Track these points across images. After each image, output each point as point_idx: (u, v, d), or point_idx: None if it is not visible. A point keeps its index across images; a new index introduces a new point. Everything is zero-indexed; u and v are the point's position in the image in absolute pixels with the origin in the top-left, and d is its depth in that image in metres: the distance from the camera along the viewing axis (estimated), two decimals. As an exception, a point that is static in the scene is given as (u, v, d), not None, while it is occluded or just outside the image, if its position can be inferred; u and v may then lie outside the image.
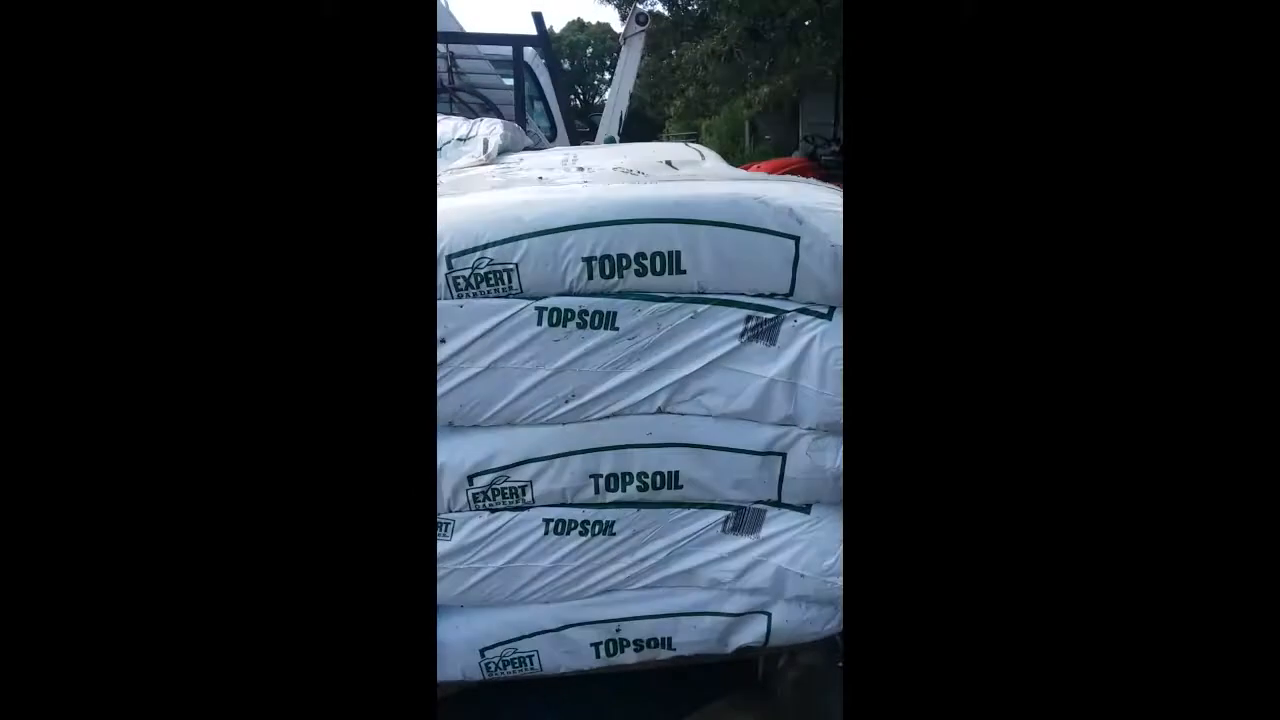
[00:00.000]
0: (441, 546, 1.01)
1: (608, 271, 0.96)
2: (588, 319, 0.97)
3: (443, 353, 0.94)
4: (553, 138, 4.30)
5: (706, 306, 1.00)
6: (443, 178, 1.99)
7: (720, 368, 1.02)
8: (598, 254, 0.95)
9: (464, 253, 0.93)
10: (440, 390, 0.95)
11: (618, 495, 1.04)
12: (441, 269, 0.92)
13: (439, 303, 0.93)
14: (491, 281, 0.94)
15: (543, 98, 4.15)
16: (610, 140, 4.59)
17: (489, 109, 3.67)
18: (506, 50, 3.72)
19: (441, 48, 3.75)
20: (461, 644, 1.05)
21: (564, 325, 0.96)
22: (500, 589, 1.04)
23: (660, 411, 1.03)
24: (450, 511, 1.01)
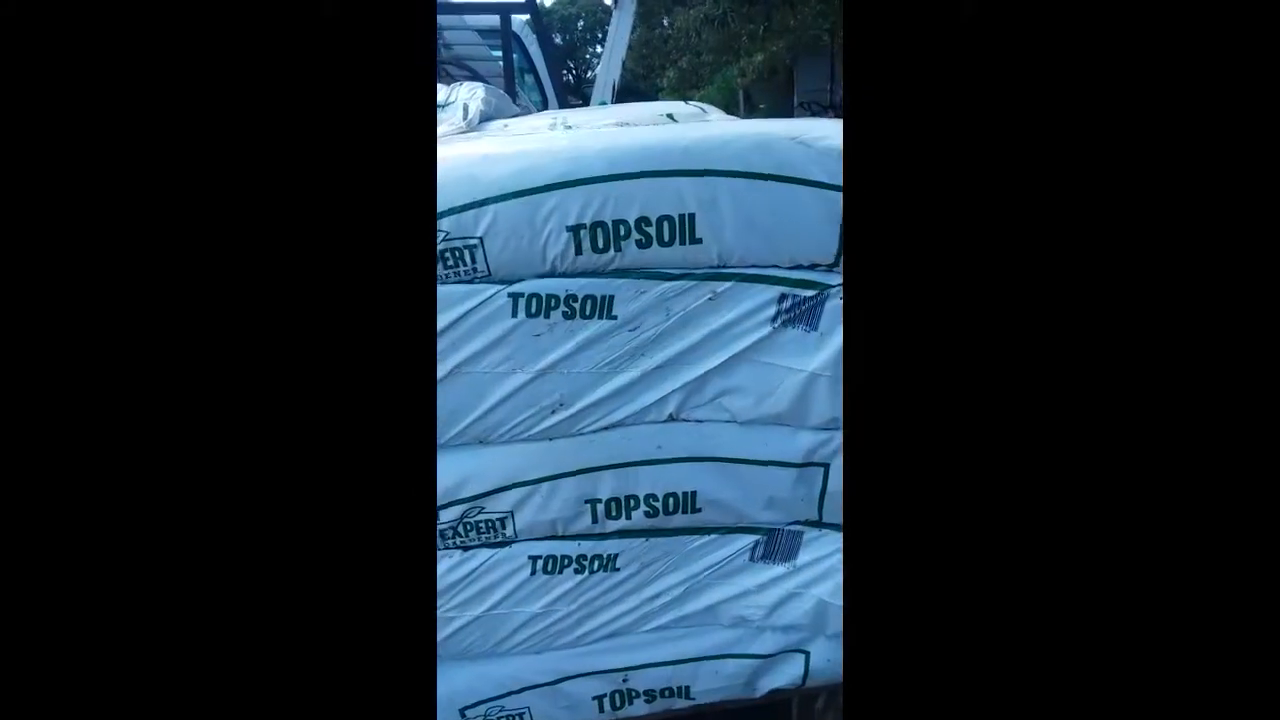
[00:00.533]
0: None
1: (601, 244, 0.74)
2: (577, 306, 0.75)
3: (390, 355, 0.73)
4: (545, 109, 4.18)
5: (729, 284, 0.78)
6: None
7: (748, 361, 0.81)
8: (587, 220, 0.73)
9: (410, 223, 0.71)
10: (389, 403, 0.74)
11: (621, 524, 0.83)
12: (382, 245, 0.71)
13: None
14: (450, 262, 0.72)
15: (533, 69, 4.02)
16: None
17: (477, 82, 3.53)
18: (494, 20, 3.63)
19: None
20: (439, 702, 0.87)
21: (546, 315, 0.75)
22: (481, 640, 0.85)
23: (672, 419, 0.82)
24: (412, 552, 0.81)
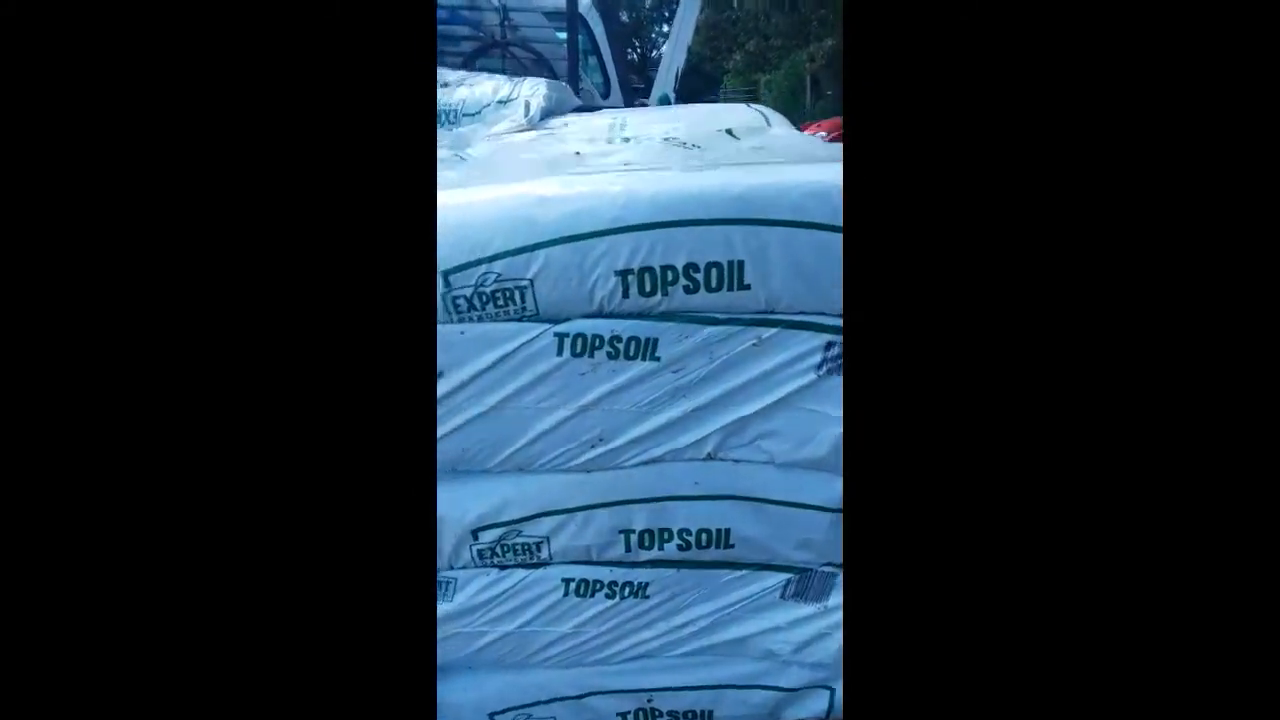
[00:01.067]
0: (442, 608, 0.86)
1: (648, 288, 0.75)
2: (621, 347, 0.77)
3: (442, 387, 0.76)
4: (606, 94, 4.17)
5: (775, 330, 0.78)
6: (477, 147, 1.82)
7: (790, 407, 0.80)
8: (636, 266, 0.74)
9: (465, 267, 0.73)
10: (440, 431, 0.78)
11: (653, 554, 0.85)
12: (438, 287, 0.74)
13: (436, 328, 0.75)
14: (500, 301, 0.75)
15: (597, 51, 3.98)
16: (665, 99, 4.38)
17: (541, 64, 3.56)
18: (560, 2, 3.63)
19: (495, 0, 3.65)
20: (468, 707, 0.92)
21: (591, 355, 0.77)
22: (512, 652, 0.90)
23: (710, 458, 0.83)
24: (452, 569, 0.86)
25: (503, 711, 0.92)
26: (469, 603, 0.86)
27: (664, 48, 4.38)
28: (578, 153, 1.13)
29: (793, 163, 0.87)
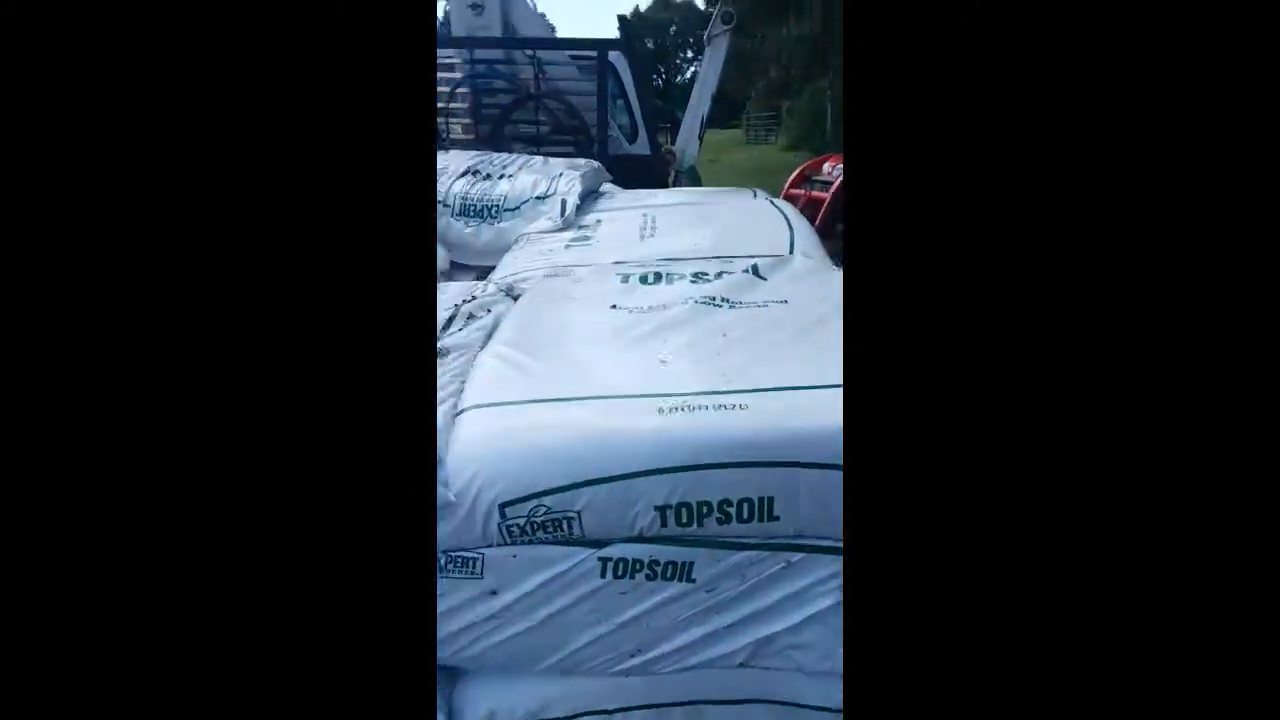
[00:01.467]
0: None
1: (684, 519, 0.81)
2: (659, 570, 0.83)
3: (494, 605, 0.84)
4: (633, 138, 4.26)
5: (803, 555, 0.83)
6: (519, 247, 1.90)
7: (819, 622, 0.85)
8: (673, 502, 0.80)
9: (519, 500, 0.80)
10: (491, 640, 0.85)
11: (688, 750, 0.91)
12: (493, 518, 0.81)
13: (489, 551, 0.82)
14: (550, 529, 0.82)
15: (624, 95, 4.12)
16: (692, 172, 4.47)
17: (572, 115, 3.68)
18: (591, 53, 3.76)
19: (530, 53, 3.78)
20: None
21: (631, 576, 0.83)
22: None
23: (742, 666, 0.88)
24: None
25: None
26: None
27: (691, 97, 4.46)
28: (614, 305, 1.20)
29: (823, 389, 0.89)
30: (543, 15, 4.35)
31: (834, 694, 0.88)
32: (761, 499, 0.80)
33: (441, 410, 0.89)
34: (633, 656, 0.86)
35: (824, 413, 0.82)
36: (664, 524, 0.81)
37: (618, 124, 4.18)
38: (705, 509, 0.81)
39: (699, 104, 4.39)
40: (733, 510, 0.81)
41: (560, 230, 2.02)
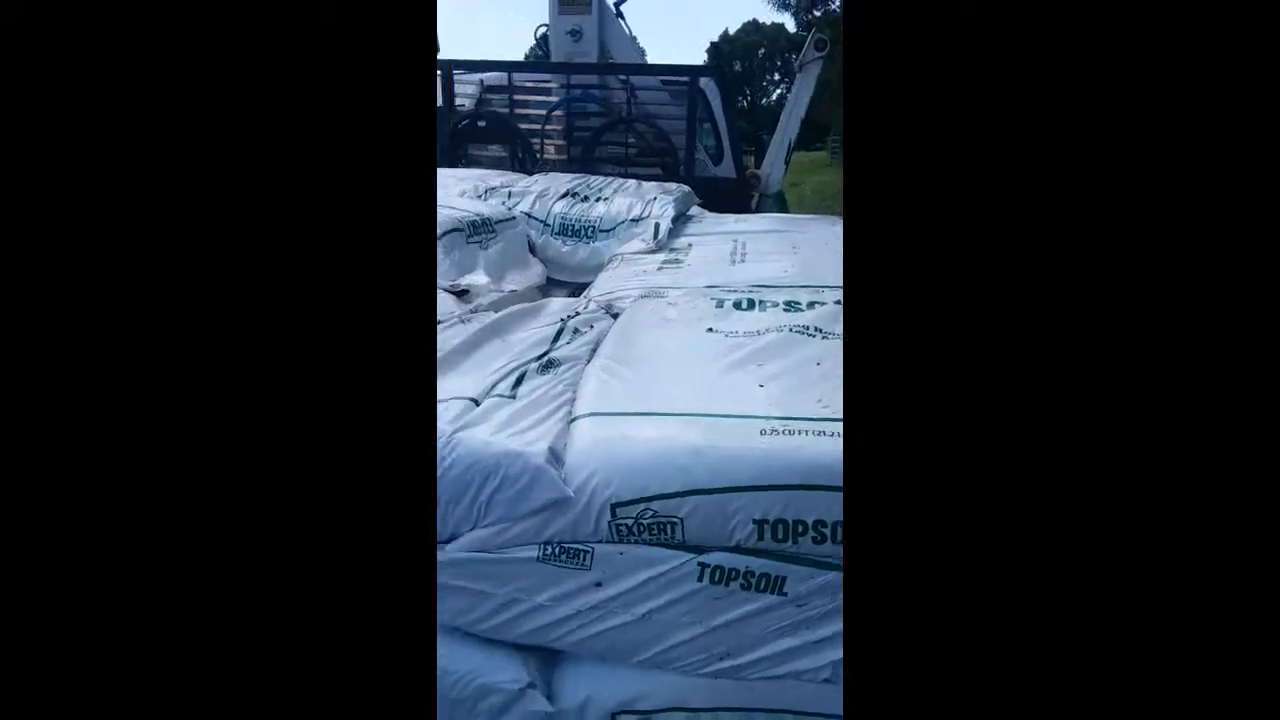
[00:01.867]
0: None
1: (780, 535, 0.87)
2: (753, 581, 0.88)
3: (598, 596, 0.92)
4: (719, 160, 4.35)
5: (894, 580, 0.86)
6: (613, 267, 2.02)
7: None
8: (771, 518, 0.86)
9: (629, 503, 0.89)
10: (592, 630, 0.93)
11: (768, 756, 0.95)
12: (605, 516, 0.90)
13: (598, 547, 0.91)
14: (655, 531, 0.89)
15: (711, 119, 4.18)
16: (780, 197, 4.49)
17: (660, 138, 3.81)
18: (683, 77, 3.82)
19: (623, 78, 3.97)
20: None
21: (726, 584, 0.89)
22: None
23: (827, 681, 0.91)
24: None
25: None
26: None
27: (779, 121, 4.48)
28: (710, 329, 1.28)
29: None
30: (634, 39, 4.54)
31: None
32: (856, 522, 0.85)
33: (557, 416, 1.00)
34: (722, 660, 0.92)
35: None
36: (760, 538, 0.87)
37: (704, 146, 4.26)
38: (801, 528, 0.86)
39: (787, 129, 4.41)
40: (827, 531, 0.86)
41: (652, 252, 2.13)
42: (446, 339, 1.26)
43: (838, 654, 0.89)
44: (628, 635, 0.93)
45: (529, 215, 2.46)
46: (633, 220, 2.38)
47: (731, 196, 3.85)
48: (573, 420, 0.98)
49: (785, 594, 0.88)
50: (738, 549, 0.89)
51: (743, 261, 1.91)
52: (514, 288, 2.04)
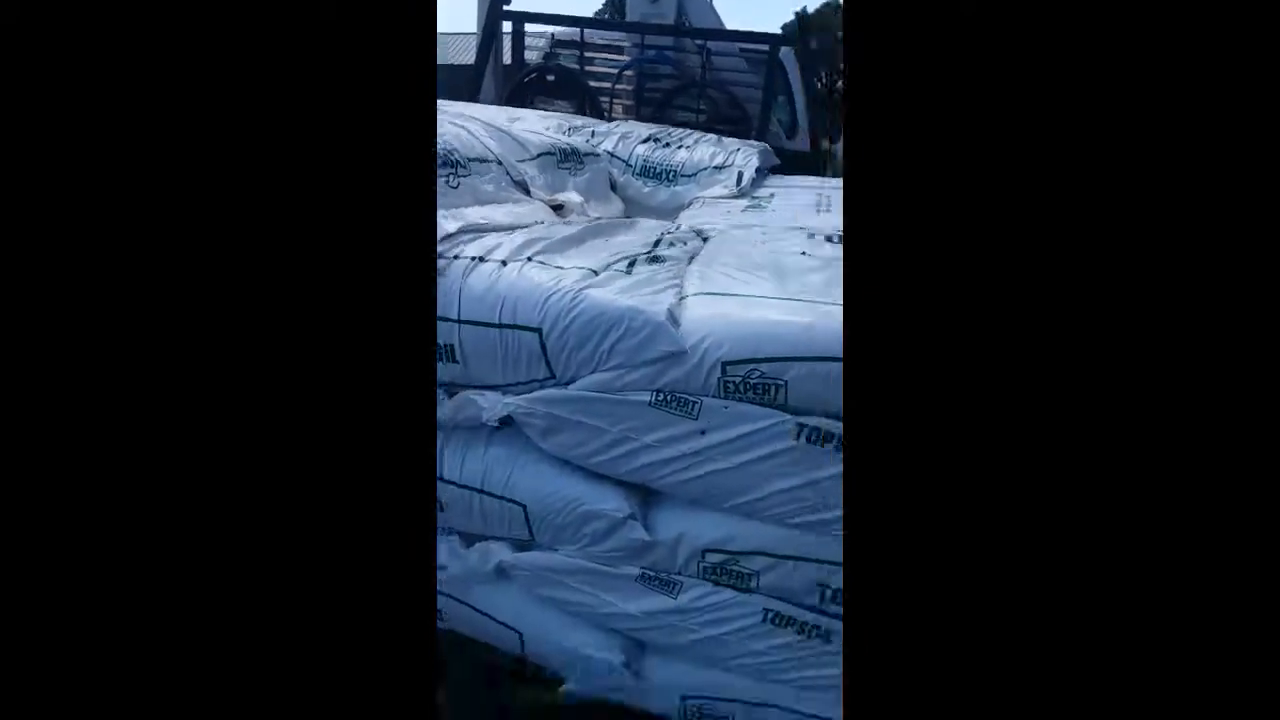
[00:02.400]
0: (667, 603, 1.12)
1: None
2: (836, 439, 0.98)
3: (701, 443, 1.03)
4: (792, 135, 4.27)
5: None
6: (696, 208, 2.09)
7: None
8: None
9: (739, 362, 0.99)
10: (692, 473, 1.04)
11: (841, 610, 1.05)
12: (715, 373, 1.00)
13: (706, 400, 1.01)
14: (759, 391, 0.99)
15: (788, 91, 4.14)
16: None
17: (734, 105, 3.76)
18: (762, 46, 3.77)
19: (700, 43, 3.92)
20: (667, 684, 1.18)
21: (823, 445, 0.98)
22: (710, 654, 1.14)
23: (903, 541, 1.00)
24: (681, 575, 1.12)
25: (693, 697, 1.17)
26: (689, 604, 1.11)
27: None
28: (803, 253, 1.36)
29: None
30: (712, 5, 4.46)
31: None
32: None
33: (671, 290, 1.09)
34: (811, 513, 1.01)
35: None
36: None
37: (777, 119, 4.19)
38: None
39: None
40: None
41: (735, 198, 2.18)
42: (554, 232, 1.37)
43: (918, 515, 0.98)
44: (724, 481, 1.03)
45: (612, 154, 2.54)
46: (716, 167, 2.43)
47: (805, 171, 3.80)
48: (682, 298, 1.08)
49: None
50: (835, 415, 0.97)
51: (828, 211, 1.95)
52: (599, 216, 2.14)
